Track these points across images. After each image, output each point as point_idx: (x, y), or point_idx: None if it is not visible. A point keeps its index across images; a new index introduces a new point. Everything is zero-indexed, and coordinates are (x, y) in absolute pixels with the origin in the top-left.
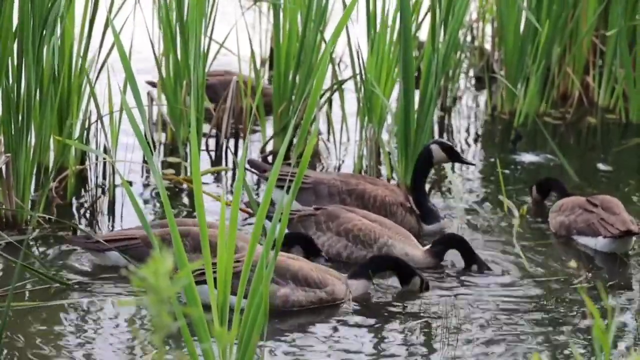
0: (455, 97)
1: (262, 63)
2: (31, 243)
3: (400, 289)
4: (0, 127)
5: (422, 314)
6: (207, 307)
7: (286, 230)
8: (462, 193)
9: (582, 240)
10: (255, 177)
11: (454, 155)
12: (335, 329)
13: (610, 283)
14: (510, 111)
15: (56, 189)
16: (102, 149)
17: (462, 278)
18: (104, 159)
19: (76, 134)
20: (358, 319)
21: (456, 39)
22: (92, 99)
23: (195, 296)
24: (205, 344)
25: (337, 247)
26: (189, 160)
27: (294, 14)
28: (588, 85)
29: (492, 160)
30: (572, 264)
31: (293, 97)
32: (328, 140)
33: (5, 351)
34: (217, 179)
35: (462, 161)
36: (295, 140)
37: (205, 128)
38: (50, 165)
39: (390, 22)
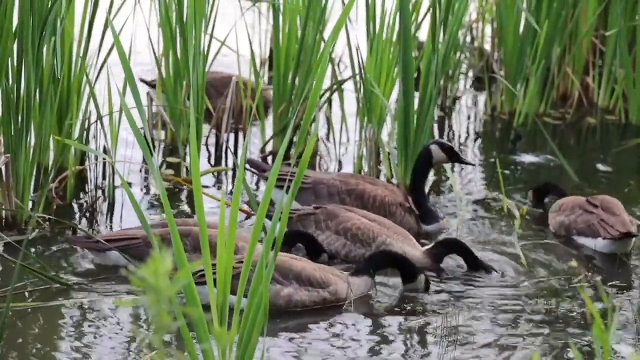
0: (455, 98)
1: (262, 63)
2: (31, 243)
3: (403, 287)
4: (0, 128)
5: (422, 314)
6: (207, 307)
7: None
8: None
9: (582, 240)
10: (255, 177)
11: (453, 156)
12: (335, 329)
13: (610, 283)
14: (509, 111)
15: (56, 189)
16: (101, 149)
17: (462, 278)
18: (104, 159)
19: (76, 134)
20: (358, 318)
21: (456, 39)
22: (91, 99)
23: (194, 296)
24: (205, 344)
25: (335, 245)
26: (188, 161)
27: (294, 14)
28: (588, 86)
29: (492, 160)
30: (573, 263)
31: (293, 98)
32: (328, 140)
33: (5, 351)
34: (217, 180)
35: (462, 161)
36: (295, 140)
37: (205, 128)
38: (50, 165)
39: (389, 22)
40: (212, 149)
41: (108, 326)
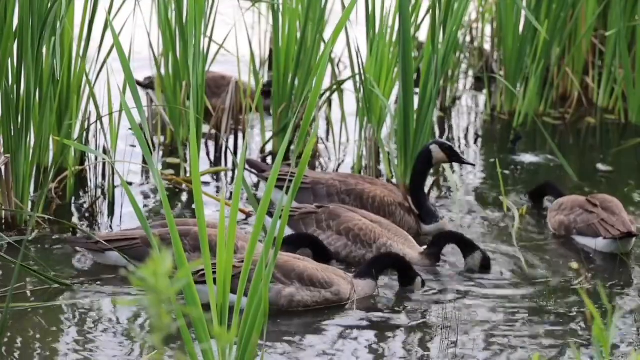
0: (455, 98)
1: (262, 64)
2: (30, 244)
3: (400, 288)
4: (0, 128)
5: (422, 314)
6: (207, 307)
7: (290, 230)
8: (459, 186)
9: (582, 240)
10: (255, 178)
11: (453, 156)
12: (335, 329)
13: (610, 283)
14: (509, 111)
15: (55, 190)
16: (101, 149)
17: (462, 278)
18: (104, 159)
19: (75, 134)
20: (358, 319)
21: (455, 39)
22: (91, 100)
23: (194, 296)
24: (205, 344)
25: (336, 246)
26: (188, 161)
27: (293, 15)
28: (587, 86)
29: (492, 160)
30: (574, 265)
31: (292, 98)
32: (327, 140)
33: (5, 352)
34: (217, 180)
35: (462, 161)
36: (295, 141)
37: (205, 128)
38: (50, 165)
39: (389, 23)
40: (212, 149)
41: (108, 326)
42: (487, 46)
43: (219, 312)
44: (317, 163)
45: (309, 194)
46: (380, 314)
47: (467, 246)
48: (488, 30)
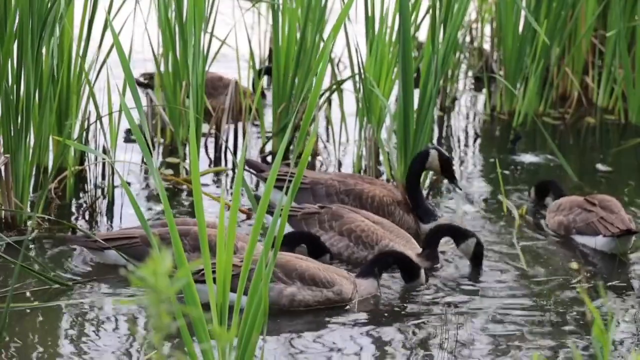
0: (455, 98)
1: (261, 64)
2: (30, 244)
3: (404, 284)
4: None
5: (422, 314)
6: (206, 307)
7: (292, 229)
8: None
9: (582, 239)
10: (255, 178)
11: (447, 170)
12: (335, 329)
13: (610, 283)
14: (509, 111)
15: (55, 190)
16: (101, 149)
17: (462, 278)
18: (103, 159)
19: (75, 134)
20: (358, 318)
21: (455, 39)
22: (91, 100)
23: (194, 296)
24: (205, 344)
25: (338, 246)
26: (188, 161)
27: (293, 14)
28: (587, 86)
29: (492, 160)
30: (574, 265)
31: (292, 98)
32: (327, 140)
33: (4, 352)
34: (217, 180)
35: (453, 179)
36: (294, 140)
37: (204, 128)
38: (50, 165)
39: (389, 22)
40: (212, 149)
41: (108, 326)
42: (486, 46)
43: (218, 311)
44: (316, 163)
45: (308, 194)
46: (380, 313)
47: (460, 233)
48: (488, 30)
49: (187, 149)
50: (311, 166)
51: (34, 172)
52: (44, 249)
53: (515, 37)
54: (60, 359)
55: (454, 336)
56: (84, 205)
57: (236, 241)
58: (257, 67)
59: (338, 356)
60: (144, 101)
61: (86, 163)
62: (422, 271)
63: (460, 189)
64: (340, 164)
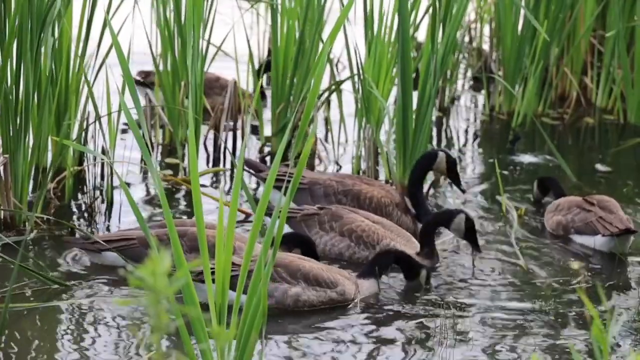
0: (454, 98)
1: (260, 64)
2: (29, 244)
3: (405, 284)
4: None
5: (421, 314)
6: (205, 307)
7: (289, 230)
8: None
9: (581, 239)
10: (254, 178)
11: (452, 173)
12: (334, 329)
13: (609, 283)
14: (508, 112)
15: (54, 190)
16: (100, 149)
17: (462, 278)
18: (102, 159)
19: (74, 134)
20: (358, 318)
21: (454, 39)
22: (90, 100)
23: (193, 296)
24: (204, 344)
25: (339, 247)
26: (187, 161)
27: (292, 15)
28: (586, 86)
29: (491, 160)
30: (574, 265)
31: (291, 98)
32: (326, 140)
33: (4, 352)
34: (216, 180)
35: (457, 182)
36: (293, 141)
37: (203, 129)
38: (48, 166)
39: (388, 23)
40: (211, 150)
41: (106, 326)
42: (485, 46)
43: (217, 311)
44: (315, 163)
45: (306, 194)
46: (380, 313)
47: (447, 216)
48: (487, 30)
49: (186, 149)
50: (310, 167)
51: (32, 173)
52: (43, 249)
53: (514, 38)
54: (59, 359)
55: (454, 336)
56: (83, 205)
57: (234, 241)
58: (256, 67)
59: (337, 356)
60: (142, 101)
61: (85, 163)
62: (424, 271)
63: (465, 192)
64: (339, 165)
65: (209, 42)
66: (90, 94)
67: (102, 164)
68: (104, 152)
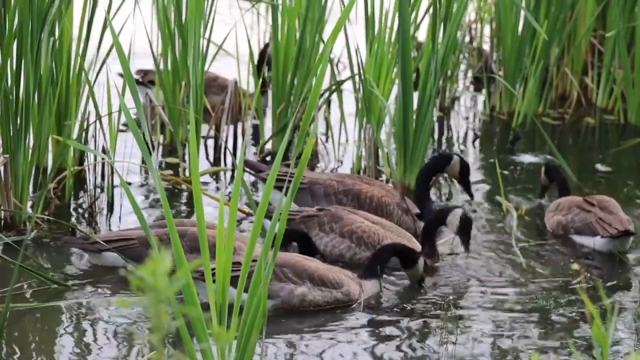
0: (454, 98)
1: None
2: (29, 244)
3: (405, 284)
4: None
5: (421, 314)
6: (205, 307)
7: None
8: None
9: (580, 239)
10: (254, 178)
11: (465, 177)
12: (334, 329)
13: (609, 283)
14: (508, 112)
15: (54, 190)
16: (100, 149)
17: (461, 278)
18: (103, 159)
19: (75, 134)
20: (357, 319)
21: (455, 39)
22: (90, 100)
23: (193, 296)
24: (204, 344)
25: (340, 248)
26: (187, 161)
27: (293, 15)
28: (586, 86)
29: (491, 160)
30: (574, 265)
31: (292, 98)
32: (327, 140)
33: (4, 352)
34: (216, 180)
35: (468, 187)
36: (294, 141)
37: (204, 128)
38: (49, 166)
39: (388, 23)
40: (211, 149)
41: (107, 326)
42: (486, 46)
43: (218, 311)
44: (316, 163)
45: (306, 194)
46: (379, 313)
47: (444, 212)
48: (487, 30)
49: (187, 149)
50: (310, 167)
51: (33, 173)
52: (43, 249)
53: (514, 38)
54: (58, 359)
55: (454, 336)
56: (84, 205)
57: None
58: (256, 67)
59: (338, 356)
60: (142, 101)
61: (85, 163)
62: (421, 260)
63: (473, 198)
64: (339, 165)
65: (209, 41)
66: (91, 94)
67: (103, 164)
68: (104, 151)
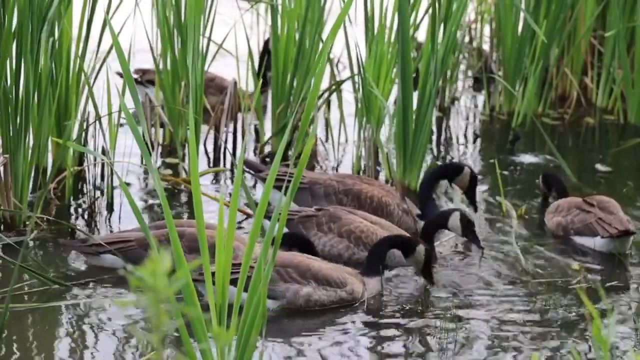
0: (454, 98)
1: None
2: (29, 244)
3: (406, 261)
4: None
5: (421, 314)
6: (205, 307)
7: (287, 230)
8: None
9: (580, 240)
10: (254, 178)
11: (472, 189)
12: (335, 329)
13: (609, 284)
14: (508, 112)
15: (54, 190)
16: (100, 150)
17: (461, 279)
18: (102, 160)
19: (74, 135)
20: (358, 319)
21: (454, 39)
22: (90, 100)
23: (193, 296)
24: (204, 344)
25: (338, 248)
26: (187, 161)
27: (292, 15)
28: (586, 86)
29: (491, 161)
30: (574, 266)
31: (291, 98)
32: (326, 140)
33: (4, 352)
34: (216, 180)
35: (473, 199)
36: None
37: (204, 129)
38: (49, 166)
39: (388, 23)
40: (211, 150)
41: (107, 327)
42: (486, 46)
43: (217, 312)
44: (315, 164)
45: (306, 194)
46: (380, 313)
47: (444, 216)
48: (487, 30)
49: (186, 149)
50: (310, 167)
51: (33, 173)
52: (43, 250)
53: (514, 38)
54: (58, 359)
55: (454, 336)
56: (83, 205)
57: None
58: (256, 67)
59: (338, 357)
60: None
61: (85, 163)
62: (421, 246)
63: (477, 210)
64: (339, 165)
65: (209, 41)
66: (91, 94)
67: (102, 164)
68: (104, 152)
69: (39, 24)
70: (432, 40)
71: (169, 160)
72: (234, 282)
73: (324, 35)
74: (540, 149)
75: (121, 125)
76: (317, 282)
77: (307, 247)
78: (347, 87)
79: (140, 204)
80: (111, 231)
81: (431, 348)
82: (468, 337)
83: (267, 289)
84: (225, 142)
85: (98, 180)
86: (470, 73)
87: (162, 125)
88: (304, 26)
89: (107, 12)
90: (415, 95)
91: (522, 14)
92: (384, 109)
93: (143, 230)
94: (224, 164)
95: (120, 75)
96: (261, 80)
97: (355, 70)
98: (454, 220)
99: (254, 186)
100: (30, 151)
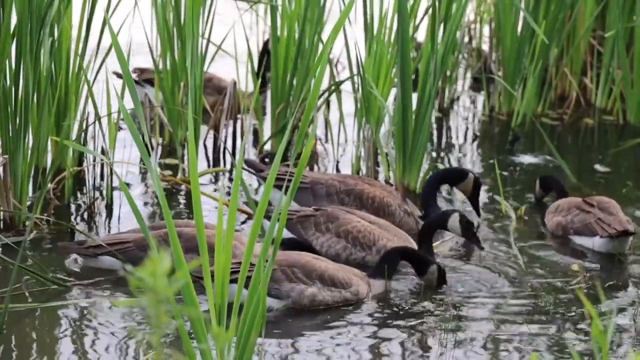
0: (453, 98)
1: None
2: (29, 244)
3: (419, 279)
4: None
5: (421, 315)
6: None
7: (289, 236)
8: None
9: (579, 240)
10: (254, 178)
11: (475, 196)
12: (334, 329)
13: (609, 284)
14: (508, 112)
15: (54, 191)
16: (99, 150)
17: (461, 279)
18: (102, 160)
19: (74, 135)
20: (358, 319)
21: (454, 39)
22: (89, 100)
23: (193, 296)
24: (203, 344)
25: (336, 248)
26: (186, 162)
27: (292, 15)
28: (586, 87)
29: (491, 161)
30: (574, 266)
31: (291, 99)
32: (326, 141)
33: (3, 352)
34: (215, 180)
35: (477, 205)
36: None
37: (203, 129)
38: (48, 166)
39: (388, 23)
40: (210, 150)
41: (106, 327)
42: (485, 47)
43: (217, 312)
44: (315, 164)
45: (308, 194)
46: (380, 314)
47: (442, 218)
48: (486, 30)
49: (186, 149)
50: (309, 167)
51: (32, 173)
52: (43, 250)
53: (514, 38)
54: (58, 359)
55: (454, 336)
56: (83, 206)
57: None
58: (256, 67)
59: (337, 356)
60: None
61: (85, 164)
62: (434, 267)
63: (480, 216)
64: (338, 165)
65: (208, 41)
66: (90, 94)
67: (102, 165)
68: (103, 152)
69: (38, 23)
70: (431, 40)
71: (168, 160)
72: (233, 281)
73: (324, 35)
74: (539, 149)
75: (121, 129)
76: (322, 283)
77: (308, 252)
78: (346, 88)
79: (140, 205)
80: (109, 232)
81: (431, 348)
82: (467, 337)
83: (266, 288)
84: (225, 142)
85: (98, 181)
86: (469, 73)
87: (161, 126)
88: (303, 26)
89: (107, 11)
90: (414, 96)
91: (521, 14)
92: (384, 109)
93: (143, 231)
94: (224, 164)
95: (118, 75)
96: (260, 80)
97: (355, 71)
98: (454, 221)
99: (257, 189)
100: (29, 151)
